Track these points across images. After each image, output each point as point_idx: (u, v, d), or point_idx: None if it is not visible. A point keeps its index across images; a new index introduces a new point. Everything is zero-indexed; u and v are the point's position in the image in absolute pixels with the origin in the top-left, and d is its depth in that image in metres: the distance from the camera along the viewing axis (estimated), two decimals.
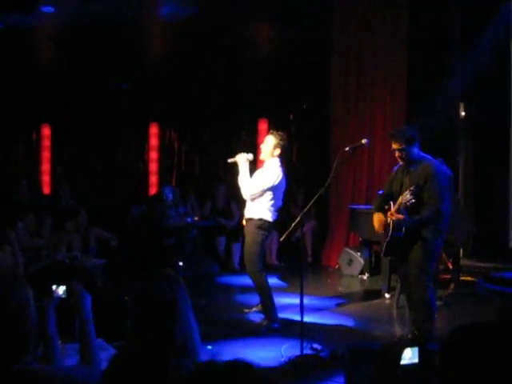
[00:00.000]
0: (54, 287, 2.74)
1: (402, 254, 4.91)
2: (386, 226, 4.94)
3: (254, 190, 5.69)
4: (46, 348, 2.55)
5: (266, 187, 5.68)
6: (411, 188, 4.75)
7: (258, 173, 5.84)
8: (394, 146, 4.88)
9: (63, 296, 2.73)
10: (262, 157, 5.86)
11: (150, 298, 2.22)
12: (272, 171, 5.73)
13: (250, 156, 5.76)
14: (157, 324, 2.17)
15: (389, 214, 4.85)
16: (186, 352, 2.19)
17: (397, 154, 4.90)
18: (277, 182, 5.72)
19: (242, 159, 5.72)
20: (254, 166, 6.07)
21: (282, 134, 5.89)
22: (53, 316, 2.66)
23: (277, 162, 5.79)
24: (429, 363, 3.10)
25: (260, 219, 5.70)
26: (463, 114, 9.75)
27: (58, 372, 2.13)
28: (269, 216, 5.73)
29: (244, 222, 6.03)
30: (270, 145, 5.77)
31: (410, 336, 5.19)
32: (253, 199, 5.75)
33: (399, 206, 4.76)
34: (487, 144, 9.16)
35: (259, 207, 5.72)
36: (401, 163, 4.98)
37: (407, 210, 4.72)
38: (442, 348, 1.65)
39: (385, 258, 6.43)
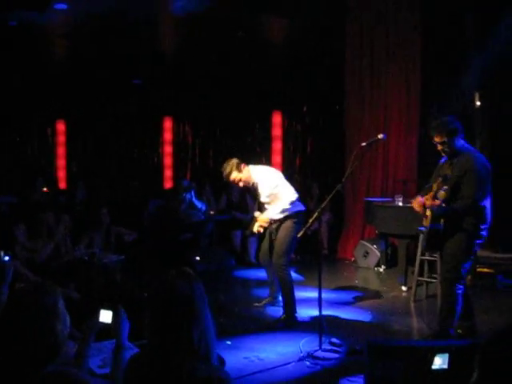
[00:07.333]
0: (100, 311, 2.67)
1: (442, 248, 4.81)
2: (424, 209, 4.82)
3: (280, 197, 5.75)
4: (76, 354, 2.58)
5: (277, 184, 5.77)
6: (446, 174, 4.67)
7: (260, 190, 5.87)
8: (437, 139, 4.68)
9: (108, 322, 2.67)
10: (244, 183, 5.83)
11: (167, 296, 2.13)
12: (265, 174, 5.82)
13: (257, 213, 5.98)
14: (173, 323, 2.09)
15: (425, 199, 4.76)
16: (200, 354, 2.09)
17: (439, 147, 4.72)
18: (280, 177, 5.86)
19: (260, 222, 5.85)
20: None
21: (227, 162, 5.79)
22: (92, 340, 2.64)
23: (252, 168, 5.84)
24: (459, 368, 3.10)
25: (297, 213, 5.76)
26: (479, 103, 9.65)
27: (88, 379, 2.15)
28: (301, 206, 5.84)
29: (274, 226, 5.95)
30: (236, 175, 5.75)
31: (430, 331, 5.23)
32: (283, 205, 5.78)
33: (435, 193, 4.68)
34: (503, 134, 9.07)
35: (290, 204, 5.75)
36: (444, 156, 4.81)
37: (445, 201, 4.62)
38: (481, 352, 1.60)
39: (426, 252, 6.34)
